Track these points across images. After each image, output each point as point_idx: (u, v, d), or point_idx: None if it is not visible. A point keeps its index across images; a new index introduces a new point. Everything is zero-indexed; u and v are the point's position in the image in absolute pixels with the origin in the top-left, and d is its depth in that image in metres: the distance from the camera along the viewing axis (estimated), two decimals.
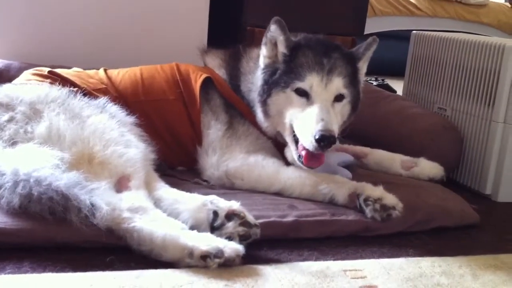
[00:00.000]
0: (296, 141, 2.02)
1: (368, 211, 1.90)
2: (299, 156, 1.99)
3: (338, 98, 2.05)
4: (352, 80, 2.11)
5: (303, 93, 2.01)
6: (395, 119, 2.78)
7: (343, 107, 2.08)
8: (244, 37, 3.21)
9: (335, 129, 1.94)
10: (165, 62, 2.35)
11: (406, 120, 2.72)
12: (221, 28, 3.46)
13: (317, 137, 1.88)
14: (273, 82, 2.06)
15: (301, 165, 1.99)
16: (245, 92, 2.23)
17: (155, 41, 3.09)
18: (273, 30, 2.08)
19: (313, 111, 1.96)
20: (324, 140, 1.88)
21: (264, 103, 2.08)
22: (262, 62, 2.14)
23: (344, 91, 2.06)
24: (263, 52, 2.13)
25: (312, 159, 1.97)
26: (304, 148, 1.96)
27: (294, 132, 2.02)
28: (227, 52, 2.37)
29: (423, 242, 1.92)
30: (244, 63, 2.29)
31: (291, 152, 2.06)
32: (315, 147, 1.90)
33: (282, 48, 2.09)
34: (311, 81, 2.01)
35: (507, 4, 7.11)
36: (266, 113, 2.09)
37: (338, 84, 2.04)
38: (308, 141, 1.92)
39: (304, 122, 1.96)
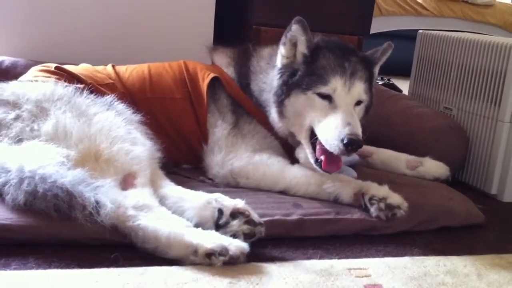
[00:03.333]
0: (312, 144, 2.01)
1: (373, 210, 1.90)
2: (317, 160, 1.98)
3: (358, 102, 2.05)
4: (370, 85, 2.11)
5: (326, 97, 1.99)
6: (400, 118, 2.78)
7: (359, 111, 2.08)
8: (250, 35, 3.21)
9: (361, 133, 1.93)
10: (171, 60, 2.35)
11: (412, 119, 2.72)
12: (227, 27, 3.46)
13: (345, 141, 1.86)
14: (294, 83, 2.04)
15: (319, 169, 1.98)
16: (256, 91, 2.22)
17: (162, 39, 3.09)
18: (295, 30, 2.05)
19: (339, 115, 1.94)
20: (353, 144, 1.87)
21: (281, 104, 2.06)
22: (279, 61, 2.11)
23: (364, 96, 2.05)
24: (282, 51, 2.10)
25: (331, 164, 1.96)
26: (324, 153, 1.95)
27: (311, 135, 2.01)
28: (236, 50, 2.36)
29: (428, 241, 1.92)
30: (254, 62, 2.27)
31: (304, 154, 2.06)
32: (342, 151, 1.89)
33: (302, 49, 2.06)
34: (335, 85, 1.99)
35: None
36: (281, 114, 2.07)
37: (359, 89, 2.03)
38: (334, 145, 1.90)
39: (330, 126, 1.93)
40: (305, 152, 2.06)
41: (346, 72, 2.01)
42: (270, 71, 2.19)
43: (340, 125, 1.91)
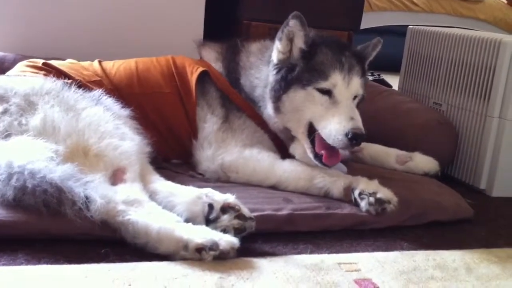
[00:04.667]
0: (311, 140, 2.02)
1: (363, 204, 1.91)
2: (316, 155, 2.00)
3: (354, 97, 2.07)
4: (364, 79, 2.13)
5: (326, 92, 2.00)
6: (390, 113, 2.78)
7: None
8: (240, 31, 3.20)
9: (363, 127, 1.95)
10: (160, 55, 2.34)
11: (402, 114, 2.73)
12: (217, 22, 3.45)
13: (350, 135, 1.89)
14: (293, 78, 2.03)
15: (318, 163, 2.00)
16: (247, 86, 2.21)
17: (151, 34, 3.08)
18: (292, 25, 2.04)
19: (341, 110, 1.96)
20: (357, 138, 1.90)
21: (278, 99, 2.05)
22: (275, 57, 2.10)
23: (360, 91, 2.08)
24: (278, 47, 2.08)
25: (331, 158, 1.98)
26: (324, 147, 1.97)
27: (309, 130, 2.02)
28: (224, 45, 2.36)
29: (417, 236, 1.93)
30: (244, 57, 2.27)
31: (301, 150, 2.06)
32: (346, 145, 1.92)
33: (300, 44, 2.06)
34: (335, 80, 2.01)
35: (503, 0, 7.11)
36: (278, 109, 2.07)
37: (357, 83, 2.05)
38: (338, 139, 1.91)
39: (333, 121, 1.95)
40: (301, 147, 2.07)
41: (344, 67, 2.03)
42: (262, 66, 2.18)
43: (344, 120, 1.93)
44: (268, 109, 2.12)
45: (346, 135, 1.90)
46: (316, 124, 2.00)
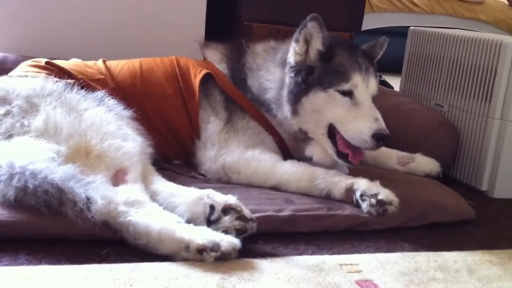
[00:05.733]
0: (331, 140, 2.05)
1: (364, 206, 1.90)
2: (339, 153, 2.02)
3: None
4: (377, 79, 2.15)
5: (347, 93, 2.02)
6: (391, 115, 2.76)
7: None
8: (241, 31, 3.21)
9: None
10: (162, 55, 2.34)
11: (403, 116, 2.72)
12: (219, 23, 3.45)
13: (377, 137, 1.93)
14: (313, 81, 2.04)
15: (343, 162, 2.04)
16: (254, 87, 2.20)
17: (153, 35, 3.08)
18: (311, 27, 2.04)
19: (365, 111, 2.00)
20: (384, 139, 1.95)
21: (297, 102, 2.05)
22: (293, 59, 2.08)
23: (376, 91, 2.11)
24: (296, 49, 2.08)
25: (356, 155, 2.02)
26: (348, 146, 2.00)
27: (329, 131, 2.04)
28: (228, 46, 2.35)
29: (419, 237, 1.93)
30: (250, 59, 2.26)
31: (320, 152, 2.08)
32: (373, 146, 1.96)
33: (318, 46, 2.06)
34: (356, 81, 2.03)
35: (505, 1, 7.11)
36: (296, 112, 2.07)
37: (374, 83, 2.10)
38: (364, 140, 1.95)
39: (358, 122, 1.98)
40: (320, 149, 2.09)
41: (363, 68, 2.06)
42: (274, 68, 2.17)
43: (369, 121, 1.97)
44: (284, 111, 2.11)
45: (373, 136, 1.94)
46: (339, 126, 2.02)
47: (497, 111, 2.45)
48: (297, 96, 2.05)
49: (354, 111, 2.01)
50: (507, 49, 2.40)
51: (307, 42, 2.07)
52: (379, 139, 1.94)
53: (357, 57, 2.08)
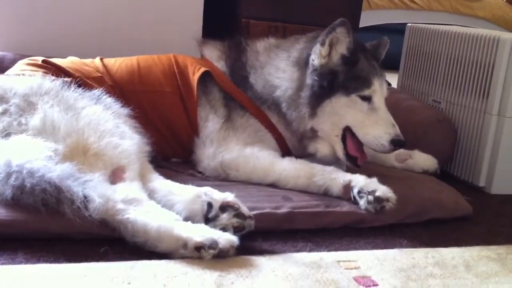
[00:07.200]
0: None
1: (362, 203, 1.91)
2: (350, 156, 2.08)
3: None
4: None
5: (367, 98, 2.06)
6: (390, 111, 2.78)
7: None
8: (239, 29, 3.20)
9: None
10: (158, 53, 2.33)
11: (401, 112, 2.70)
12: (216, 20, 3.45)
13: (395, 141, 2.03)
14: (338, 85, 2.06)
15: (351, 164, 2.09)
16: (258, 84, 2.20)
17: (150, 33, 3.07)
18: (339, 31, 2.05)
19: (384, 116, 2.07)
20: (401, 145, 2.05)
21: (318, 104, 2.06)
22: (317, 61, 2.07)
23: (386, 94, 2.15)
24: (321, 51, 2.07)
25: (362, 158, 2.09)
26: (357, 149, 2.06)
27: (342, 133, 2.08)
28: (226, 44, 2.34)
29: (416, 233, 1.93)
30: (251, 56, 2.26)
31: (326, 150, 2.11)
32: (389, 150, 2.05)
33: (343, 50, 2.07)
34: (376, 87, 2.08)
35: None
36: (315, 114, 2.08)
37: (385, 87, 2.14)
38: (382, 145, 2.03)
39: (376, 127, 2.04)
40: (326, 147, 2.11)
41: (379, 72, 2.11)
42: (285, 66, 2.17)
43: (387, 127, 2.04)
44: (301, 112, 2.10)
45: (391, 142, 2.01)
46: (357, 129, 2.06)
47: (494, 107, 2.45)
48: (319, 99, 2.06)
49: (372, 115, 2.06)
50: (505, 45, 2.40)
51: (331, 46, 2.07)
52: (397, 144, 2.02)
53: (372, 60, 2.12)
